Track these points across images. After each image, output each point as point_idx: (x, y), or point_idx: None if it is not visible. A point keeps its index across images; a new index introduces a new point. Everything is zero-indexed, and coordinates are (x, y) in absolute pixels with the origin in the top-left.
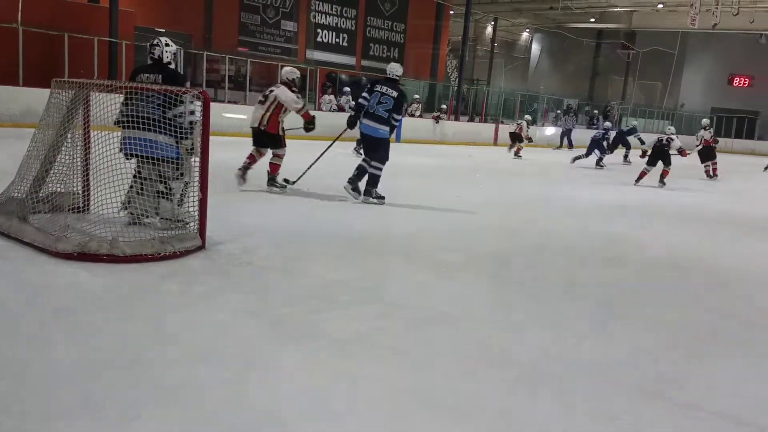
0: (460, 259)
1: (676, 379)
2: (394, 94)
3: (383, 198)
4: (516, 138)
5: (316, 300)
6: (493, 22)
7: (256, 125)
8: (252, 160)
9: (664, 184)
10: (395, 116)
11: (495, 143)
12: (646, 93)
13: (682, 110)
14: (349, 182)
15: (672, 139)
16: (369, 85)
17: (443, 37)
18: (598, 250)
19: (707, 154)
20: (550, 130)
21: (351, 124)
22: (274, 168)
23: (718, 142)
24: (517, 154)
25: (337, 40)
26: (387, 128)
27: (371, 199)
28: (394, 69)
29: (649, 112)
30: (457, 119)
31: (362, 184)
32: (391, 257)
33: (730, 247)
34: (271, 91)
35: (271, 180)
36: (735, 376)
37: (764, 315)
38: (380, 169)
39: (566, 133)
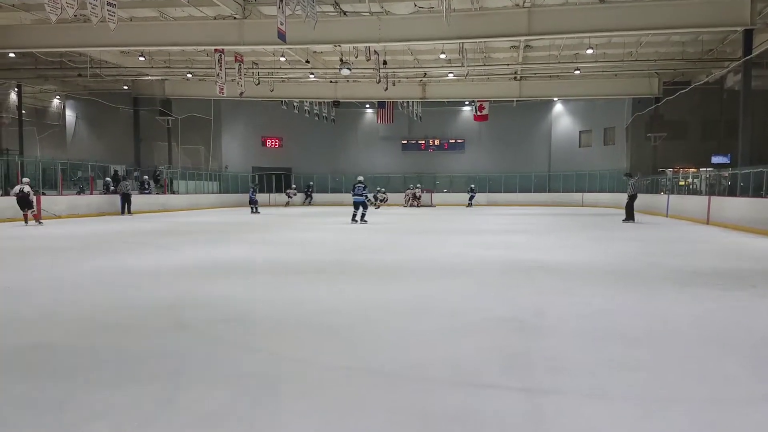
0: None
1: None
2: None
3: None
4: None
5: None
6: (16, 89)
7: None
8: None
9: None
10: None
11: (38, 220)
12: (191, 156)
13: (228, 171)
14: None
15: None
16: None
17: None
18: None
19: None
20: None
21: None
22: None
23: None
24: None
25: None
26: None
27: None
28: None
29: (198, 174)
30: None
31: None
32: None
33: None
34: None
35: None
36: None
37: None
38: None
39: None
